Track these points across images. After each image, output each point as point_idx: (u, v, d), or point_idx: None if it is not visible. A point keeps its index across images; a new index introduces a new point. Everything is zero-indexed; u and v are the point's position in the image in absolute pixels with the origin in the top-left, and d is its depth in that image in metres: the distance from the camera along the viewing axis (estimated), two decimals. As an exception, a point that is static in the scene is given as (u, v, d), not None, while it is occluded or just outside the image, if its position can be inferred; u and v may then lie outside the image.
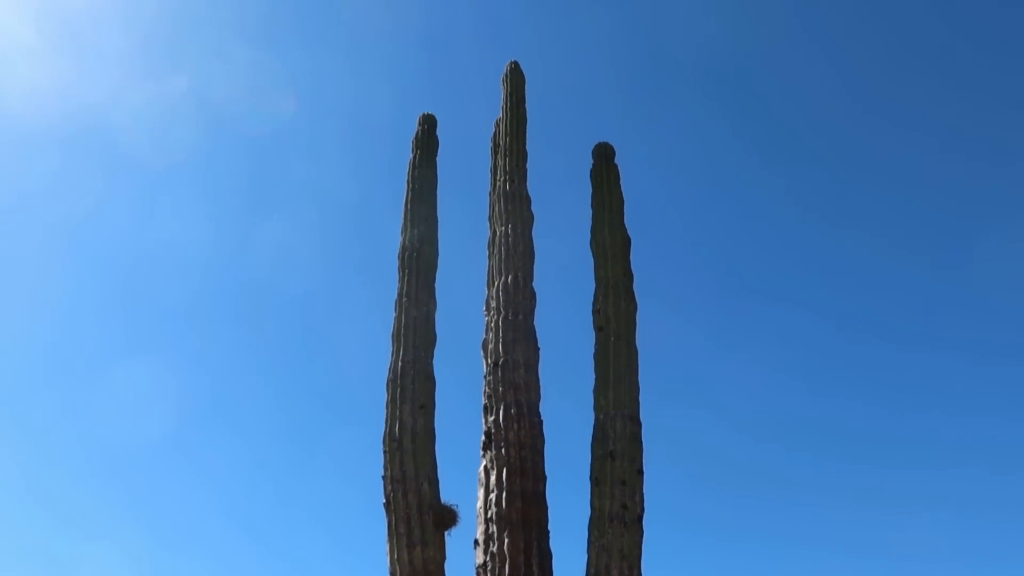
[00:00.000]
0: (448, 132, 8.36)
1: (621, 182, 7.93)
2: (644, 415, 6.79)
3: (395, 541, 6.32)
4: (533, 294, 7.18)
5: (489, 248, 7.59)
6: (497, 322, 6.98)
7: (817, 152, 18.67)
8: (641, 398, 6.85)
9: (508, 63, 8.39)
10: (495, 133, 8.31)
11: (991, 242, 17.00)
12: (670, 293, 16.42)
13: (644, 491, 6.50)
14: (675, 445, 15.42)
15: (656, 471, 6.76)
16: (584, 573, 6.25)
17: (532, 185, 7.78)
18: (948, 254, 17.94)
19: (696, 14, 18.03)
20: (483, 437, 6.72)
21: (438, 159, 8.17)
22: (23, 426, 17.45)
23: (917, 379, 17.67)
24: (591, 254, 7.56)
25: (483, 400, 6.85)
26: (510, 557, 6.08)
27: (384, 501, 6.49)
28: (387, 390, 6.85)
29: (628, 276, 7.40)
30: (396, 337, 7.05)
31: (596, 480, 6.51)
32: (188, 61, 17.60)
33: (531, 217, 7.60)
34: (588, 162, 8.09)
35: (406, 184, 7.90)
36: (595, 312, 7.25)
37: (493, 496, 6.36)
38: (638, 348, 7.05)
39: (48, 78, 17.01)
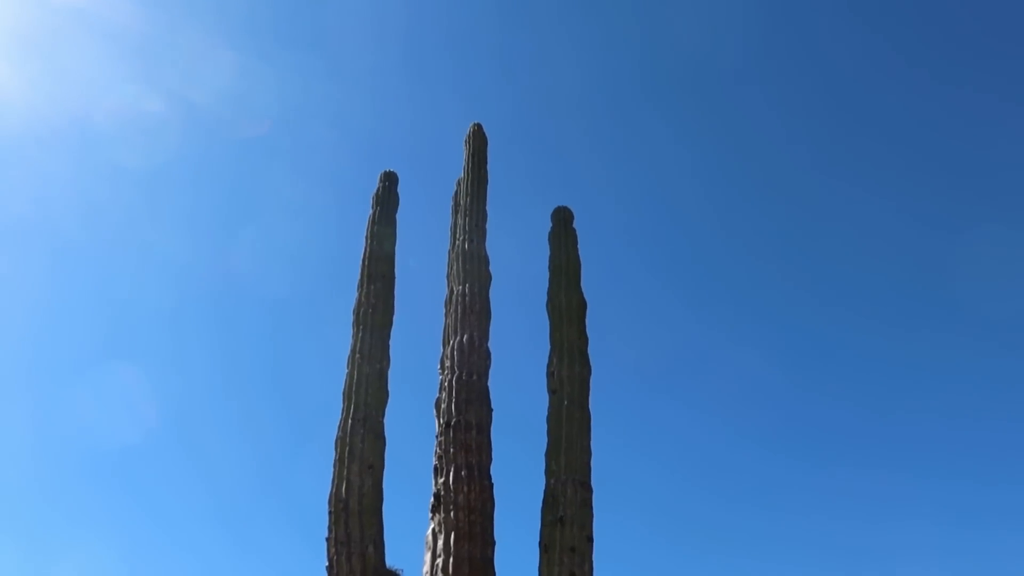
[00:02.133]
0: (411, 185, 8.42)
1: (579, 245, 8.01)
2: (596, 480, 6.75)
3: (336, 607, 6.12)
4: (488, 354, 7.14)
5: (446, 306, 7.57)
6: (451, 381, 6.92)
7: (778, 200, 19.19)
8: (593, 463, 6.81)
9: (471, 125, 8.50)
10: (456, 192, 8.37)
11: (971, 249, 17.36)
12: (627, 352, 16.52)
13: (594, 559, 6.42)
14: (630, 509, 15.34)
15: (607, 538, 6.71)
16: (530, 644, 6.12)
17: (491, 245, 7.83)
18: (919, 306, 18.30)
19: (661, 77, 18.60)
20: (432, 499, 6.59)
21: (398, 215, 8.18)
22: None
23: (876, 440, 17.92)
24: (547, 316, 7.58)
25: (433, 461, 6.74)
26: (455, 626, 5.92)
27: (327, 564, 6.29)
28: (335, 449, 6.71)
29: (583, 339, 7.42)
30: (347, 394, 6.95)
31: (545, 547, 6.41)
32: (171, 65, 17.59)
33: (489, 277, 7.61)
34: (547, 224, 8.18)
35: (364, 240, 7.89)
36: (549, 375, 7.24)
37: (440, 561, 6.21)
38: (591, 412, 7.04)
39: (29, 80, 16.91)
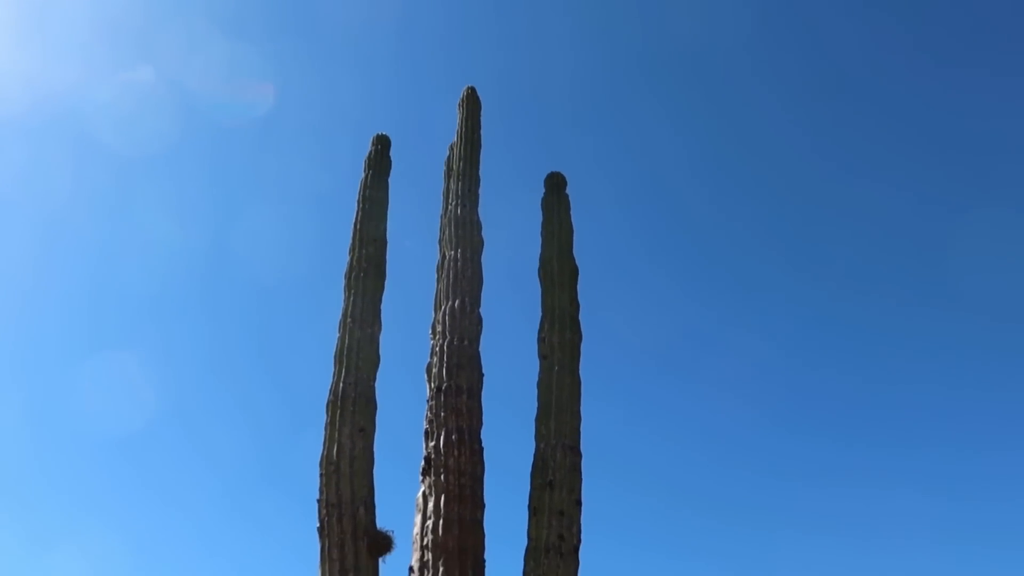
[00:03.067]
0: (404, 150, 8.37)
1: (572, 211, 8.00)
2: (585, 445, 6.81)
3: (327, 567, 6.19)
4: (479, 320, 7.16)
5: (438, 272, 7.57)
6: (442, 346, 6.94)
7: (777, 180, 19.10)
8: (583, 428, 6.87)
9: (465, 88, 8.42)
10: (449, 157, 8.33)
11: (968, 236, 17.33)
12: (619, 321, 16.56)
13: (582, 522, 6.50)
14: (619, 474, 15.49)
15: (596, 502, 6.80)
16: (519, 604, 6.21)
17: (483, 210, 7.80)
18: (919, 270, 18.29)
19: (656, 43, 18.40)
20: (423, 463, 6.65)
21: (390, 179, 8.13)
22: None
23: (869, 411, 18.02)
24: (539, 282, 7.58)
25: (424, 425, 6.79)
26: (444, 586, 6.00)
27: (318, 525, 6.35)
28: (327, 412, 6.74)
29: (574, 306, 7.44)
30: (338, 358, 6.96)
31: (534, 510, 6.49)
32: (160, 50, 17.35)
33: (481, 242, 7.60)
34: (540, 190, 8.15)
35: (356, 203, 7.85)
36: (540, 341, 7.27)
37: (430, 523, 6.28)
38: (582, 378, 7.08)
39: (16, 66, 16.66)
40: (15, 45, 16.68)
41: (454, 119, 8.38)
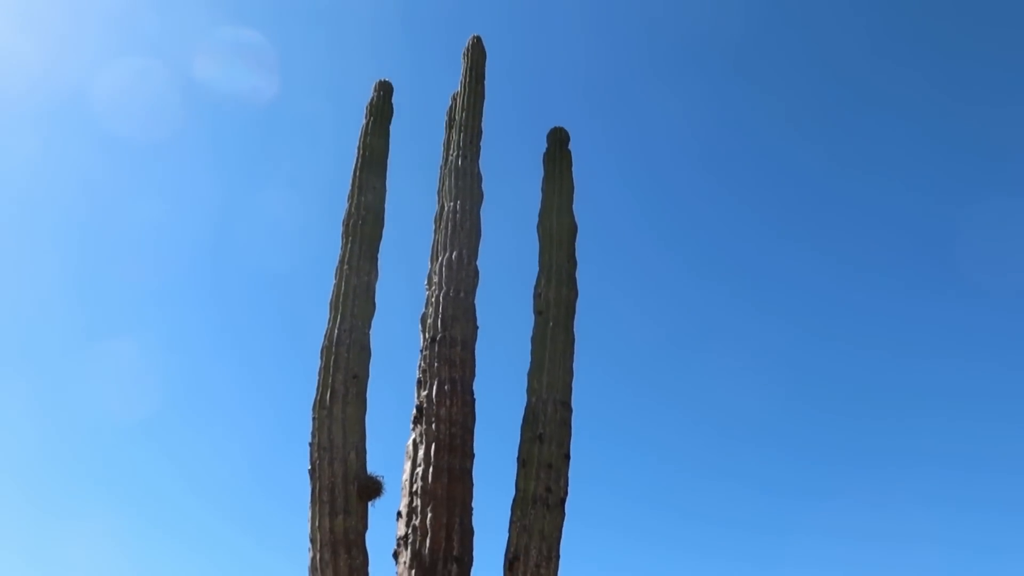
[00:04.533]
0: (406, 100, 8.26)
1: (574, 168, 7.95)
2: (576, 401, 6.90)
3: (317, 508, 6.29)
4: (476, 272, 7.16)
5: (436, 222, 7.54)
6: (438, 297, 6.96)
7: (784, 142, 18.90)
8: (574, 384, 6.95)
9: (470, 37, 8.28)
10: (451, 107, 8.23)
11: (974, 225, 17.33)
12: (615, 282, 16.58)
13: (569, 475, 6.61)
14: (608, 433, 15.67)
15: (583, 456, 6.90)
16: (504, 552, 6.33)
17: (484, 163, 7.74)
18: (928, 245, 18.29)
19: (668, 11, 18.05)
20: (414, 411, 6.72)
21: (391, 127, 8.04)
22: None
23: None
24: (537, 238, 7.58)
25: (417, 374, 6.84)
26: (431, 531, 6.11)
27: (309, 468, 6.44)
28: (321, 357, 6.77)
29: (572, 263, 7.45)
30: (334, 304, 6.96)
31: (523, 462, 6.59)
32: (169, 35, 17.02)
33: (480, 195, 7.55)
34: (542, 145, 8.10)
35: (356, 150, 7.77)
36: (536, 296, 7.29)
37: (420, 470, 6.37)
38: (575, 335, 7.13)
39: (20, 52, 16.32)
40: (19, 31, 16.33)
41: (458, 69, 8.26)
